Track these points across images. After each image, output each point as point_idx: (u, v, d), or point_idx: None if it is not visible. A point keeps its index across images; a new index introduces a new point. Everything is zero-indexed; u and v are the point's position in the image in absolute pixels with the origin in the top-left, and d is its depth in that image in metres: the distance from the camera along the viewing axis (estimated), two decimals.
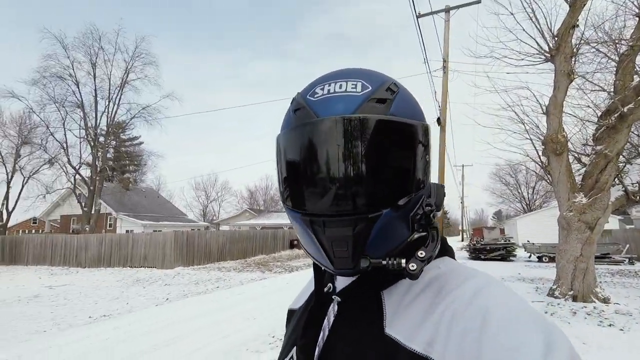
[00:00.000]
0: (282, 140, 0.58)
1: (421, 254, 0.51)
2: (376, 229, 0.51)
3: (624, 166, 9.19)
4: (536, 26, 8.86)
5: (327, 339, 0.56)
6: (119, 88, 27.13)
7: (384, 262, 0.51)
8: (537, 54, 8.98)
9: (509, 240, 19.95)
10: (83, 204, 26.27)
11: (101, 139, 28.00)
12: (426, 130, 0.56)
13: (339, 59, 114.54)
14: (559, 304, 7.30)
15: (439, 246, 0.55)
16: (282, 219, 33.93)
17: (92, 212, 25.63)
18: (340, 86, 0.54)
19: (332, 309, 0.58)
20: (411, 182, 0.53)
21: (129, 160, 43.14)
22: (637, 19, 8.13)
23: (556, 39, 8.45)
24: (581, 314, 6.45)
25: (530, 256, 18.28)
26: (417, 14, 12.32)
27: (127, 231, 26.31)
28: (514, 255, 18.72)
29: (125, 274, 14.62)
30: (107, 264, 17.87)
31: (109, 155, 32.21)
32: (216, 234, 19.00)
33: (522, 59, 9.21)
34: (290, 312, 0.75)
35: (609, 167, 7.97)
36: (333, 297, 0.60)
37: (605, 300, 7.36)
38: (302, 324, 0.64)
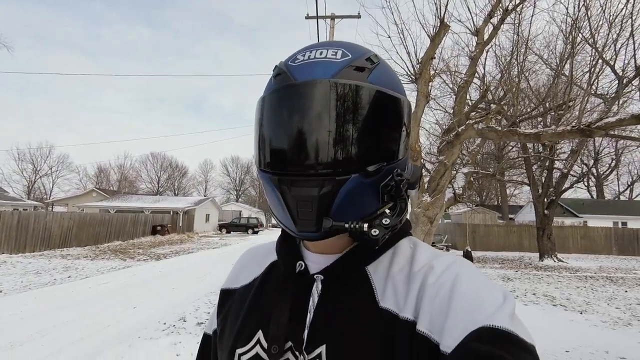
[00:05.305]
0: (260, 103, 0.58)
1: (386, 221, 0.51)
2: (342, 192, 0.50)
3: (455, 174, 11.88)
4: (406, 51, 10.58)
5: (313, 318, 0.53)
6: None
7: (346, 225, 0.50)
8: (406, 75, 10.72)
9: None
10: None
11: None
12: (401, 102, 0.55)
13: (218, 39, 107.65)
14: None
15: (405, 219, 0.56)
16: (143, 202, 30.37)
17: None
18: (321, 53, 0.55)
19: (316, 288, 0.56)
20: (382, 149, 0.53)
21: None
22: (470, 60, 10.61)
23: (419, 65, 10.28)
24: None
25: None
26: (306, 15, 13.14)
27: None
28: None
29: None
30: None
31: None
32: (60, 216, 15.88)
33: None
34: (227, 293, 0.69)
35: (446, 174, 10.21)
36: (315, 275, 0.57)
37: None
38: (266, 304, 0.60)
